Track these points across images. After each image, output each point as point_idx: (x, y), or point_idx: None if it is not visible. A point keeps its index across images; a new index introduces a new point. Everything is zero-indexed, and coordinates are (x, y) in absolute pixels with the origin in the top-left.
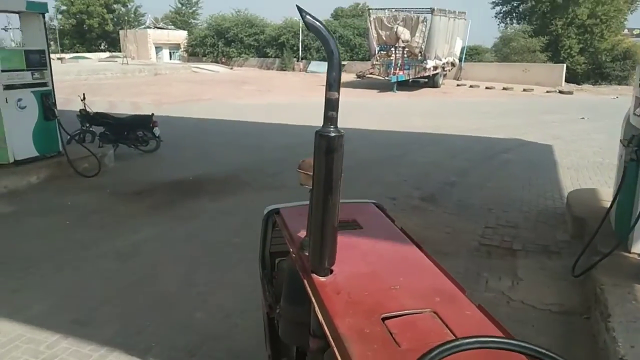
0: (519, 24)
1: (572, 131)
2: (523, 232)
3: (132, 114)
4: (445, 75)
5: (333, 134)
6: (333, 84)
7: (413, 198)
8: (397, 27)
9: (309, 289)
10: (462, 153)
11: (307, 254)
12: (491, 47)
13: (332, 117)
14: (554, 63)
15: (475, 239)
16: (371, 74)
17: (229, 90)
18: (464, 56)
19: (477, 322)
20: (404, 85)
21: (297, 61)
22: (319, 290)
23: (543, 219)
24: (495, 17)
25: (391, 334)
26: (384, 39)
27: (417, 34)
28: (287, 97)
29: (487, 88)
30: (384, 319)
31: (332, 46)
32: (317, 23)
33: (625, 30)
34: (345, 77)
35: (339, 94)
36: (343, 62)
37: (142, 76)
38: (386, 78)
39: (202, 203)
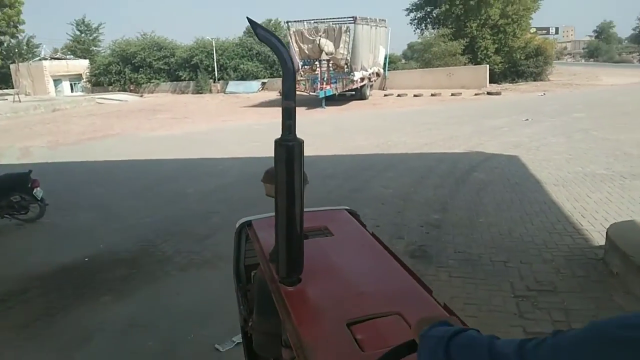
0: (434, 28)
1: (527, 136)
2: (571, 301)
3: (4, 173)
4: (372, 86)
5: (292, 143)
6: (289, 93)
7: (399, 255)
8: (319, 40)
9: (276, 299)
10: (427, 177)
11: (275, 264)
12: (401, 54)
13: (290, 126)
14: (474, 65)
15: (515, 322)
16: (296, 90)
17: (139, 121)
18: (387, 65)
19: None
20: (331, 100)
21: (214, 82)
22: (286, 300)
23: (580, 270)
24: (411, 23)
25: (355, 339)
26: (307, 52)
27: (342, 45)
28: (208, 124)
29: (415, 96)
30: (349, 325)
31: (285, 57)
32: (269, 35)
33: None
34: (268, 95)
35: (295, 102)
36: (263, 80)
37: (37, 114)
38: (312, 94)
39: (101, 307)
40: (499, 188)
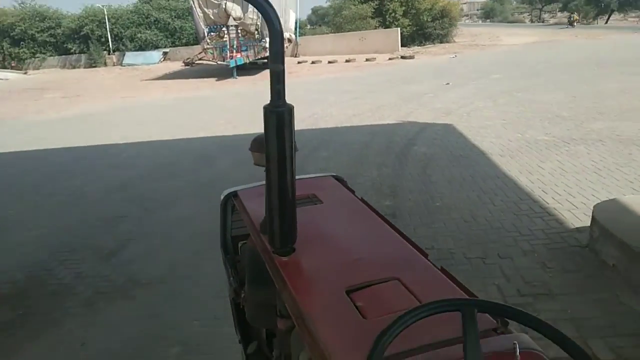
0: None
1: (454, 102)
2: (574, 307)
3: None
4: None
5: (282, 109)
6: (277, 56)
7: None
8: (225, 4)
9: (271, 270)
10: (366, 155)
11: (267, 234)
12: (306, 19)
13: (280, 91)
14: (384, 28)
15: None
16: (201, 59)
17: (24, 102)
18: (298, 31)
19: (439, 285)
20: (242, 69)
21: (109, 54)
22: (281, 270)
23: (569, 263)
24: None
25: (356, 306)
26: (213, 18)
27: (250, 9)
28: (106, 102)
29: (329, 62)
30: (348, 292)
31: (272, 17)
32: None
33: None
34: (171, 66)
35: (283, 65)
36: (165, 50)
37: None
38: (221, 62)
39: None
40: (444, 163)
